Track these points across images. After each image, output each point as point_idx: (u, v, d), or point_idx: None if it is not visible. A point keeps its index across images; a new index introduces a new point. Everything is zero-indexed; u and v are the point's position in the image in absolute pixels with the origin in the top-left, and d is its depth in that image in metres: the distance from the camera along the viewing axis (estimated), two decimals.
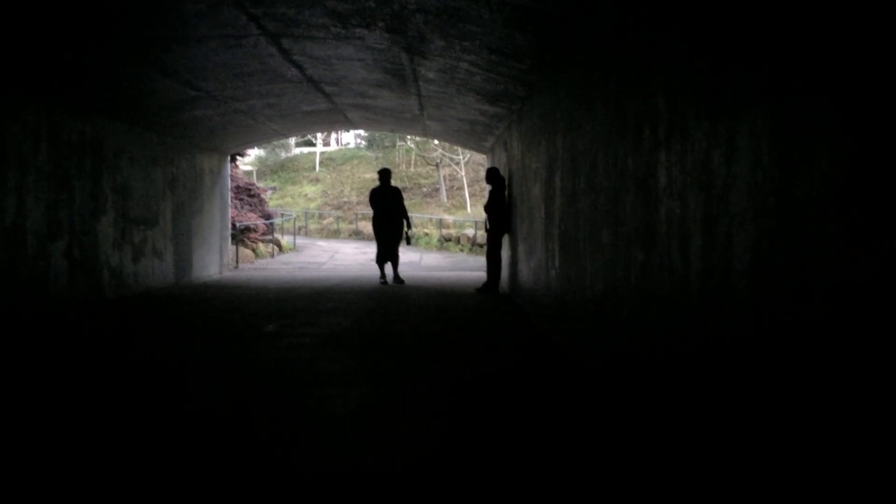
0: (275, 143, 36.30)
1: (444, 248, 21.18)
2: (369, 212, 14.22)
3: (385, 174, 11.22)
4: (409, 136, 30.77)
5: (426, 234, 22.95)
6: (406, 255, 16.53)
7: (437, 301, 8.93)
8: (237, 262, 15.17)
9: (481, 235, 18.05)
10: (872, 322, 1.65)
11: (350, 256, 18.63)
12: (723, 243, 2.45)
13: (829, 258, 1.82)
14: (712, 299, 2.55)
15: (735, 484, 2.38)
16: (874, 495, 1.66)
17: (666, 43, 3.04)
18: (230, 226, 14.23)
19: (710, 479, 2.59)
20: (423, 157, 32.84)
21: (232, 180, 16.07)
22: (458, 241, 21.11)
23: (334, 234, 28.30)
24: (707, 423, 2.62)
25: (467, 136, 11.59)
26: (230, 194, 14.66)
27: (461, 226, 23.22)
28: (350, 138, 46.87)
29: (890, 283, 1.59)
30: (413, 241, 15.62)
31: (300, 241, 23.52)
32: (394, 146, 35.96)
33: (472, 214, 25.48)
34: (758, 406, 2.21)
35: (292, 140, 41.45)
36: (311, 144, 44.08)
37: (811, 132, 1.89)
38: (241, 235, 16.23)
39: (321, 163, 40.73)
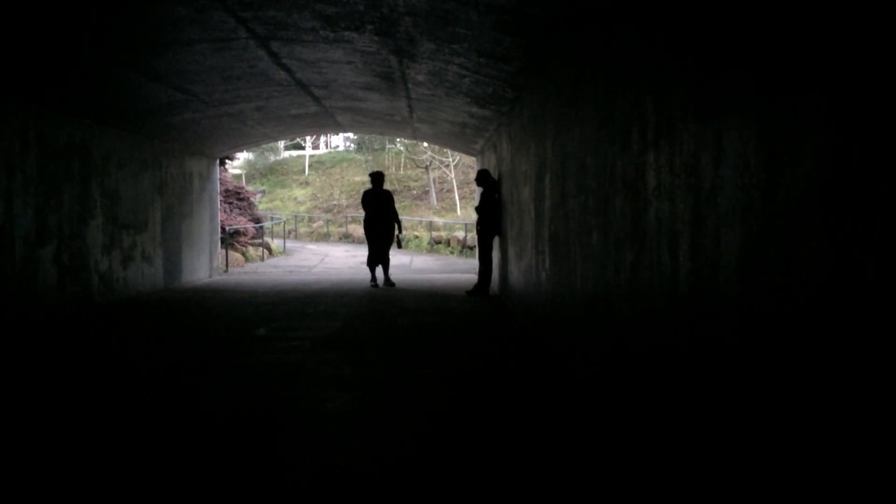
0: (264, 146, 36.18)
1: (435, 251, 21.18)
2: (359, 215, 14.18)
3: (377, 177, 11.23)
4: (398, 139, 30.80)
5: (416, 237, 22.95)
6: (397, 257, 16.52)
7: (428, 304, 8.94)
8: (227, 265, 15.12)
9: (472, 237, 18.08)
10: (855, 318, 1.68)
11: (340, 259, 18.60)
12: (711, 243, 2.48)
13: (814, 257, 1.84)
14: (701, 299, 2.58)
15: (728, 479, 2.41)
16: (856, 488, 1.69)
17: (653, 46, 3.07)
18: (220, 229, 14.19)
19: (704, 476, 2.62)
20: (413, 159, 32.84)
21: (221, 184, 16.02)
22: (448, 243, 21.12)
23: (324, 238, 28.24)
24: (698, 420, 2.65)
25: (457, 138, 11.61)
26: (219, 198, 14.61)
27: (451, 228, 23.23)
28: (339, 141, 46.78)
29: (871, 280, 1.61)
30: (404, 243, 15.61)
31: (290, 244, 23.47)
32: (383, 149, 35.93)
33: (461, 217, 25.50)
34: (747, 402, 2.23)
35: (281, 143, 41.33)
36: (301, 147, 43.96)
37: (796, 134, 1.92)
38: (230, 239, 16.18)
39: (310, 166, 40.64)
